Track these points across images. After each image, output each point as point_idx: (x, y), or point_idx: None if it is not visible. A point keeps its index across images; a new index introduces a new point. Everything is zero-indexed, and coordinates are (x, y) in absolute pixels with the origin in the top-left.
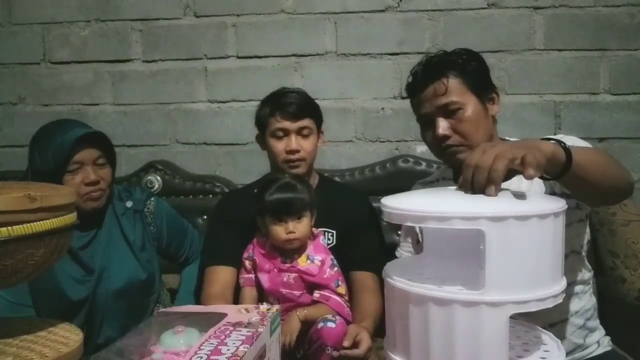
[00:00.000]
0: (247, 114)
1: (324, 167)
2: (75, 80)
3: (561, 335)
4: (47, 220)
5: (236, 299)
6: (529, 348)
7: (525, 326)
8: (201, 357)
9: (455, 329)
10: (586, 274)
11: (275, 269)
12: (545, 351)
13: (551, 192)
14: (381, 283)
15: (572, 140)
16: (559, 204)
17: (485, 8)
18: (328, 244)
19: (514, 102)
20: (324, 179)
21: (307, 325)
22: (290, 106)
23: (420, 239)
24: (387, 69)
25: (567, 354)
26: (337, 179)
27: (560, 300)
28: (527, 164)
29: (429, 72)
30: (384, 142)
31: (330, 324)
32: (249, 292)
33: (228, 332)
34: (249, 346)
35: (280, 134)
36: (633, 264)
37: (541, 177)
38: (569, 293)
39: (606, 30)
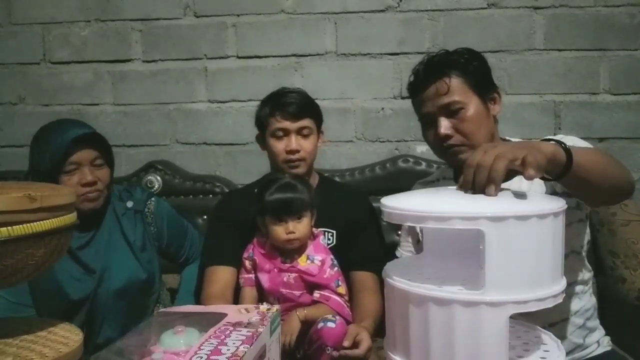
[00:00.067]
0: (247, 114)
1: (324, 167)
2: (75, 80)
3: (561, 335)
4: (47, 220)
5: (236, 299)
6: (529, 348)
7: (525, 326)
8: (201, 357)
9: (455, 329)
10: (586, 274)
11: (275, 269)
12: (545, 351)
13: (552, 192)
14: (381, 283)
15: (572, 141)
16: (558, 204)
17: (485, 8)
18: (328, 244)
19: (514, 102)
20: (324, 179)
21: (307, 325)
22: (290, 106)
23: (421, 239)
24: (387, 69)
25: (567, 353)
26: (337, 179)
27: (560, 300)
28: (527, 165)
29: (431, 71)
30: (384, 142)
31: (330, 324)
32: (249, 292)
33: (228, 332)
34: (249, 346)
35: (280, 133)
36: (633, 264)
37: (542, 178)
38: (568, 293)
39: (606, 30)
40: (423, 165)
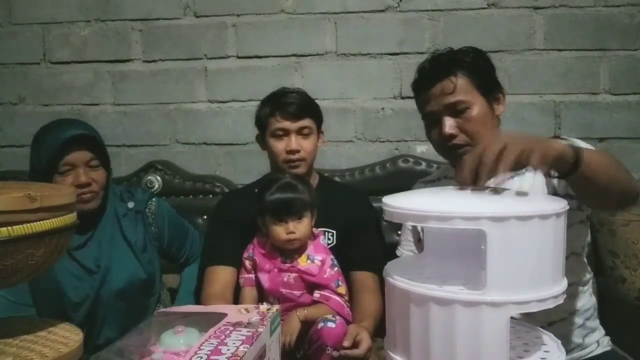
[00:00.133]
0: (247, 114)
1: (324, 167)
2: (75, 80)
3: (560, 335)
4: (47, 220)
5: (236, 299)
6: (529, 348)
7: (525, 326)
8: (201, 357)
9: (455, 329)
10: (586, 275)
11: (275, 269)
12: (545, 351)
13: (553, 194)
14: (381, 283)
15: (574, 143)
16: (560, 204)
17: (485, 8)
18: (328, 244)
19: (514, 102)
20: (324, 179)
21: (307, 325)
22: (290, 106)
23: (422, 238)
24: (387, 69)
25: (566, 353)
26: (337, 179)
27: (561, 300)
28: (535, 154)
29: (437, 69)
30: (384, 142)
31: (330, 324)
32: (249, 292)
33: (228, 332)
34: (249, 346)
35: (281, 133)
36: (633, 264)
37: (549, 175)
38: (568, 293)
39: (606, 30)
40: (423, 165)
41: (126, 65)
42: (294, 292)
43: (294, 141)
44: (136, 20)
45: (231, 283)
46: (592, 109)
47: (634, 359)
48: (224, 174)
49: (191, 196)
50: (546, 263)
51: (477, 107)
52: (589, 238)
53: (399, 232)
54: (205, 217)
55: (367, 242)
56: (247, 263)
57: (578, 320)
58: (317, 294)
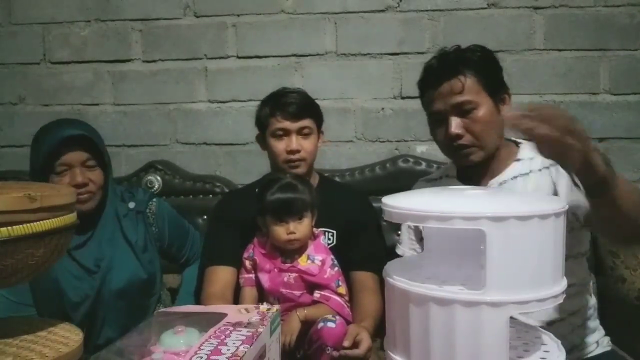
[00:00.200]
0: (247, 114)
1: (324, 167)
2: (75, 80)
3: (560, 335)
4: (47, 220)
5: (236, 299)
6: (529, 348)
7: (525, 326)
8: (201, 357)
9: (455, 329)
10: (586, 277)
11: (275, 269)
12: (545, 351)
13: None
14: (381, 283)
15: None
16: (560, 204)
17: (485, 8)
18: (328, 244)
19: (514, 102)
20: (324, 179)
21: (307, 325)
22: (290, 106)
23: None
24: (387, 69)
25: (566, 353)
26: (337, 179)
27: (560, 300)
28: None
29: (445, 67)
30: (384, 142)
31: (330, 324)
32: (249, 292)
33: (228, 332)
34: (249, 346)
35: (281, 133)
36: (633, 264)
37: (574, 182)
38: (568, 293)
39: (606, 30)
40: (423, 165)
41: (126, 65)
42: (294, 292)
43: (294, 141)
44: (136, 20)
45: (231, 283)
46: (592, 109)
47: (634, 359)
48: (224, 174)
49: (191, 196)
50: (546, 263)
51: (484, 107)
52: (589, 243)
53: (399, 232)
54: (205, 217)
55: (367, 242)
56: (247, 263)
57: (578, 320)
58: (317, 294)
